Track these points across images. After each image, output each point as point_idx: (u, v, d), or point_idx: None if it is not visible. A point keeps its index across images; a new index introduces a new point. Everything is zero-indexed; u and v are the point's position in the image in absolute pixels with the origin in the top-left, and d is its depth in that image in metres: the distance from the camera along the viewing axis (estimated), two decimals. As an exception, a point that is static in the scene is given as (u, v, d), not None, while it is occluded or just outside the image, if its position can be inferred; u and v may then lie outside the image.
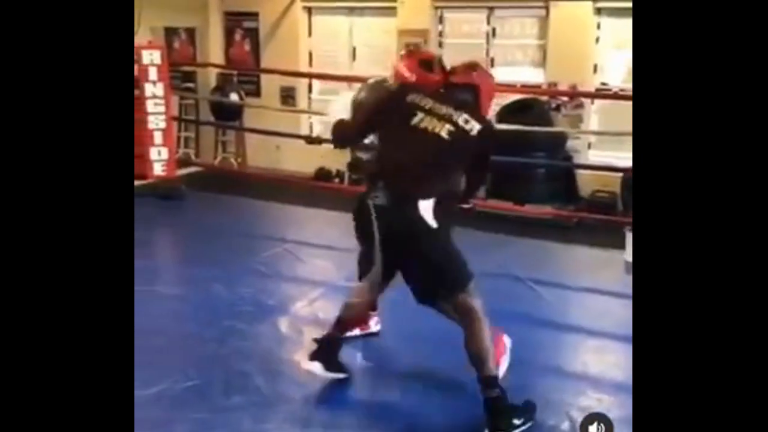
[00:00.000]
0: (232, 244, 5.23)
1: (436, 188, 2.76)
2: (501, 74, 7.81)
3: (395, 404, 3.02)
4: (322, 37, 8.96)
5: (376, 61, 8.59)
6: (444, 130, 2.75)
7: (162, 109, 6.45)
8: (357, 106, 3.15)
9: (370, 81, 3.39)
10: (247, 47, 9.13)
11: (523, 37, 7.87)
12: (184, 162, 8.09)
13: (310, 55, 8.98)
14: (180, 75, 8.72)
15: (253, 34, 9.08)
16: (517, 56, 7.91)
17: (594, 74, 7.45)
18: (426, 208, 2.70)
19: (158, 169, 6.53)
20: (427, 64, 3.02)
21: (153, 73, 6.37)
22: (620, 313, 3.89)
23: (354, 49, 8.73)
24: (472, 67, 3.01)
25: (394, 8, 8.22)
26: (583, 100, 7.40)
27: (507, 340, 3.17)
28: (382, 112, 2.96)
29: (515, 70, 7.87)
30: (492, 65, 7.91)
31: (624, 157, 6.79)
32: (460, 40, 8.14)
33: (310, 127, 8.98)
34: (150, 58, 6.37)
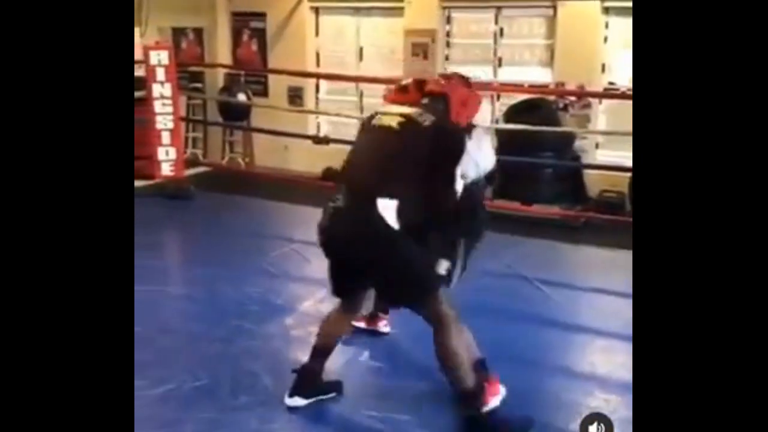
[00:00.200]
0: (240, 244, 5.25)
1: (395, 186, 2.62)
2: (508, 74, 7.81)
3: (403, 405, 3.02)
4: (330, 37, 8.96)
5: (383, 61, 8.60)
6: (395, 122, 2.72)
7: (170, 109, 6.47)
8: None
9: None
10: (254, 47, 9.14)
11: (531, 36, 7.84)
12: (191, 162, 8.10)
13: (318, 55, 8.98)
14: (188, 75, 8.73)
15: (260, 35, 9.08)
16: (525, 56, 7.88)
17: (602, 74, 7.42)
18: (386, 207, 2.59)
19: (166, 170, 6.55)
20: (404, 87, 2.98)
21: (161, 74, 6.39)
22: (628, 314, 3.85)
23: (361, 49, 8.72)
24: (447, 77, 3.09)
25: (401, 8, 8.21)
26: (591, 99, 7.37)
27: (502, 389, 2.97)
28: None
29: (523, 70, 7.84)
30: (500, 65, 7.89)
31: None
32: (467, 40, 8.12)
33: (318, 127, 8.99)
34: (158, 58, 6.39)
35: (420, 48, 7.99)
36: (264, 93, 9.03)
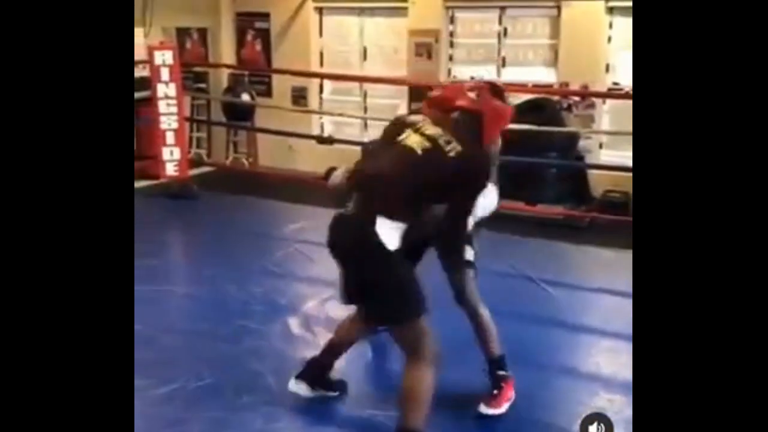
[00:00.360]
0: (244, 243, 5.25)
1: (404, 210, 2.50)
2: (512, 74, 7.80)
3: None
4: (333, 37, 8.97)
5: (386, 61, 8.60)
6: (420, 146, 2.53)
7: (174, 109, 6.47)
8: None
9: None
10: (258, 47, 9.15)
11: (535, 36, 7.84)
12: (196, 162, 8.12)
13: (321, 55, 8.99)
14: (192, 75, 8.74)
15: (264, 35, 9.09)
16: (529, 56, 7.88)
17: (606, 74, 7.41)
18: (386, 226, 2.45)
19: (170, 169, 6.56)
20: (436, 100, 2.81)
21: (165, 74, 6.40)
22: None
23: (365, 49, 8.73)
24: (479, 87, 2.79)
25: (405, 8, 8.22)
26: (595, 99, 7.37)
27: (512, 393, 3.00)
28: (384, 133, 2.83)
29: (527, 70, 7.84)
30: (503, 65, 7.90)
31: (636, 157, 6.74)
32: (471, 39, 8.12)
33: (321, 128, 8.99)
34: (162, 58, 6.40)
35: (424, 48, 8.00)
36: (268, 93, 9.05)
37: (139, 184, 6.60)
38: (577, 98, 7.37)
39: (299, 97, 8.90)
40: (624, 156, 7.08)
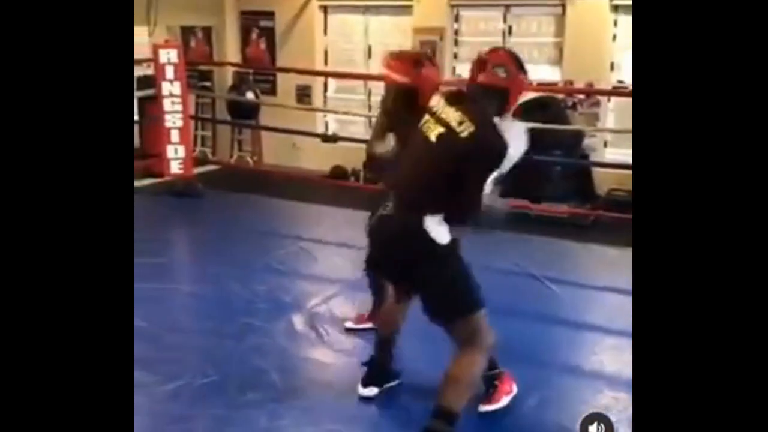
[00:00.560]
0: (249, 241, 5.26)
1: (441, 201, 2.51)
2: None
3: (409, 401, 3.03)
4: (338, 35, 8.97)
5: (391, 59, 8.58)
6: (434, 134, 2.54)
7: (179, 107, 6.49)
8: None
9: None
10: (263, 46, 9.16)
11: (540, 35, 7.83)
12: (200, 160, 8.14)
13: (326, 53, 8.99)
14: (196, 74, 8.77)
15: (269, 33, 9.10)
16: (534, 54, 7.87)
17: (611, 72, 7.40)
18: (433, 222, 2.50)
19: (175, 168, 6.57)
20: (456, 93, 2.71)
21: (170, 72, 6.41)
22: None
23: (369, 48, 8.73)
24: (500, 62, 2.66)
25: (410, 6, 8.22)
26: (600, 98, 7.36)
27: (515, 387, 3.03)
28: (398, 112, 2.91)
29: (531, 68, 7.80)
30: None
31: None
32: (476, 38, 8.11)
33: (326, 126, 9.00)
34: (167, 56, 6.41)
35: (428, 46, 7.98)
36: (272, 91, 9.06)
37: (143, 182, 6.63)
38: (581, 96, 7.37)
39: (304, 95, 8.91)
40: (628, 154, 7.06)
